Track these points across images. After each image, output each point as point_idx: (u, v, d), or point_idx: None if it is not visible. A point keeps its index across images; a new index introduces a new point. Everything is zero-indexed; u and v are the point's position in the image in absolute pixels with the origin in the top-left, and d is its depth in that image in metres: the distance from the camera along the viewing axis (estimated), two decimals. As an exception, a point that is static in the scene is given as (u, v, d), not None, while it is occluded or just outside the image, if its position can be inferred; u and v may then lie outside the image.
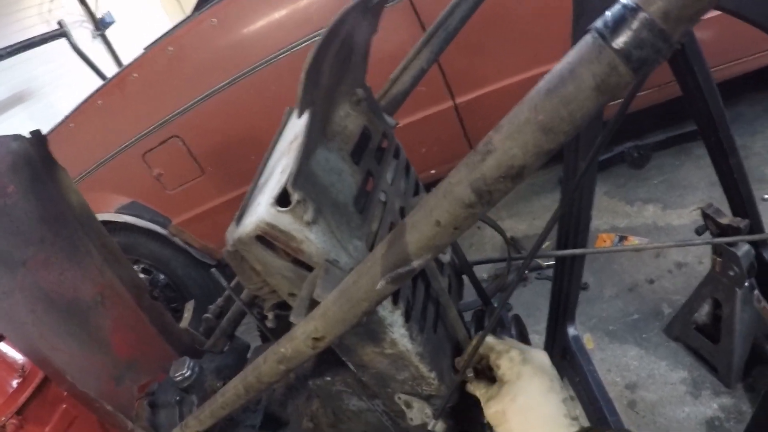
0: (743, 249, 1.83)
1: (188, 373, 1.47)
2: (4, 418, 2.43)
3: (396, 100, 1.38)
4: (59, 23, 6.43)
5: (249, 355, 1.75)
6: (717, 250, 1.90)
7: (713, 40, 2.37)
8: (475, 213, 0.55)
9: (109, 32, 8.32)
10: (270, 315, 1.07)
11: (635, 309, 2.49)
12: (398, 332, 0.91)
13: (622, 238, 2.88)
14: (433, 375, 0.99)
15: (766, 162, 2.98)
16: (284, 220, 0.75)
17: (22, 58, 6.10)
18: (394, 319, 0.90)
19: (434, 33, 1.37)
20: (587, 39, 0.50)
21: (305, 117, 0.77)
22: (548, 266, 2.83)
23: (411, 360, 0.96)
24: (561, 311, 1.92)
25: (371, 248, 0.90)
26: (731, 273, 1.87)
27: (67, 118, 3.28)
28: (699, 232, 1.98)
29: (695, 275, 2.49)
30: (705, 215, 1.90)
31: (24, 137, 1.49)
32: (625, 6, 0.48)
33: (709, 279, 2.00)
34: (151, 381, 1.63)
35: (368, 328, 0.89)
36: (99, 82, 6.30)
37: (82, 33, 7.66)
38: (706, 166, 3.09)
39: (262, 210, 0.77)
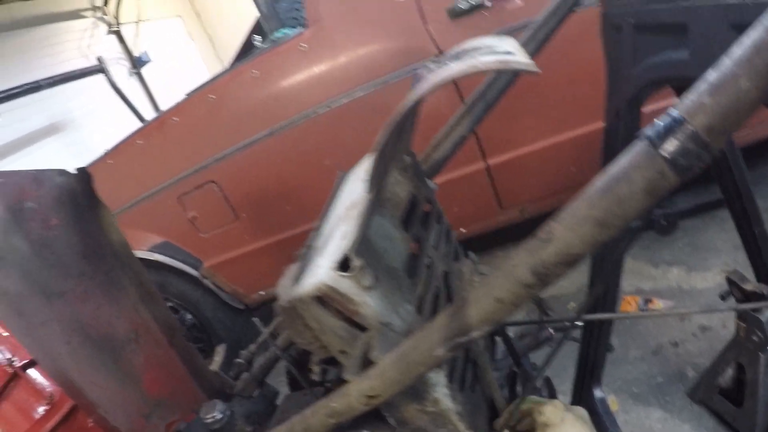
0: (767, 315, 1.85)
1: (220, 416, 1.50)
2: (28, 445, 2.46)
3: (437, 165, 1.44)
4: (98, 59, 6.63)
5: (278, 402, 1.75)
6: (741, 315, 1.92)
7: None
8: (532, 292, 0.61)
9: (145, 71, 8.52)
10: (316, 368, 1.11)
11: (659, 371, 2.49)
12: (441, 391, 0.95)
13: (647, 301, 2.90)
14: (470, 434, 1.03)
15: (789, 227, 2.99)
16: (344, 284, 0.81)
17: (59, 90, 6.27)
18: (438, 379, 0.94)
19: (476, 103, 1.44)
20: (639, 146, 0.57)
21: (371, 191, 0.83)
22: (574, 327, 2.84)
23: (451, 418, 0.99)
24: (588, 373, 1.94)
25: (419, 311, 0.95)
26: (755, 338, 1.88)
27: (105, 154, 3.37)
28: (723, 297, 2.01)
29: (719, 339, 2.49)
30: (730, 281, 1.93)
31: (69, 173, 1.54)
32: (674, 119, 0.55)
33: (734, 344, 2.01)
34: (177, 420, 1.64)
35: (413, 386, 0.94)
36: (133, 119, 6.51)
37: (119, 70, 7.86)
38: (731, 229, 3.10)
39: (323, 273, 0.82)
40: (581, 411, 1.02)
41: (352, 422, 1.25)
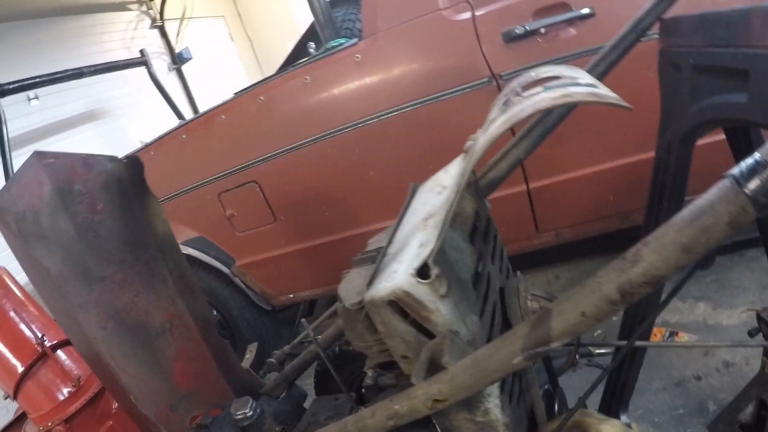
0: (793, 353, 1.87)
1: (250, 413, 1.52)
2: (50, 423, 2.52)
3: (492, 185, 1.48)
4: (141, 52, 6.74)
5: (306, 405, 1.79)
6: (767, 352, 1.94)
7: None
8: (616, 309, 0.67)
9: (185, 68, 8.65)
10: (370, 372, 1.16)
11: (681, 404, 2.51)
12: (493, 402, 0.99)
13: (673, 333, 2.92)
14: (513, 446, 1.07)
15: (820, 268, 3.01)
16: (421, 290, 0.85)
17: (101, 78, 6.41)
18: (492, 390, 0.98)
19: (534, 127, 1.48)
20: (725, 183, 0.63)
21: (449, 198, 0.88)
22: (599, 354, 2.87)
23: (497, 429, 1.03)
24: (615, 400, 1.97)
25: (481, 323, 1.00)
26: (780, 375, 1.90)
27: (147, 145, 3.44)
28: (752, 333, 2.02)
29: (742, 375, 2.51)
30: (759, 318, 1.95)
31: (120, 159, 1.59)
32: (757, 161, 0.62)
33: (758, 380, 2.02)
34: (202, 414, 1.68)
35: (470, 394, 0.98)
36: (170, 113, 6.61)
37: (160, 64, 7.99)
38: (759, 268, 3.16)
39: (400, 278, 0.87)
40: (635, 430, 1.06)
41: (397, 429, 1.29)
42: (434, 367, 0.87)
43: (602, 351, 2.82)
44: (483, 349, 0.82)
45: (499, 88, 2.61)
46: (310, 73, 2.86)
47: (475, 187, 1.20)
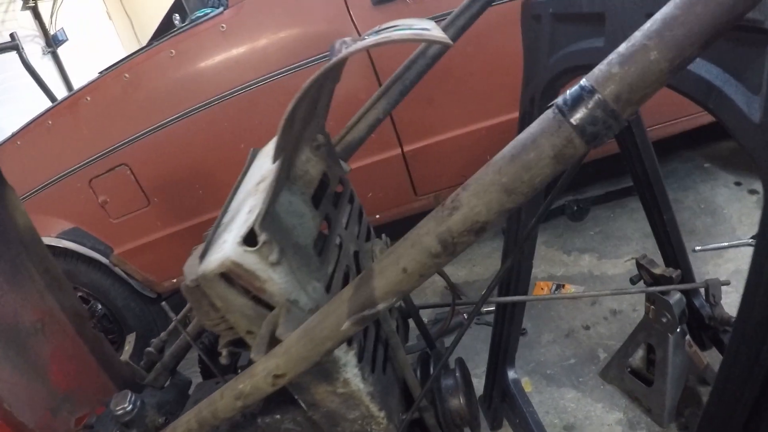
0: (675, 297, 1.92)
1: (130, 407, 1.43)
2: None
3: (351, 147, 1.42)
4: (11, 35, 6.29)
5: (190, 392, 1.71)
6: (650, 298, 1.99)
7: (650, 103, 2.52)
8: (439, 262, 0.61)
9: (61, 50, 8.18)
10: (224, 352, 1.09)
11: (572, 354, 2.57)
12: (351, 372, 0.94)
13: (560, 286, 2.98)
14: (382, 415, 1.02)
15: (697, 215, 3.15)
16: (250, 259, 0.78)
17: (-35, 69, 5.96)
18: (348, 359, 0.93)
19: (391, 85, 1.43)
20: (548, 114, 0.57)
21: (278, 161, 0.81)
22: (487, 312, 2.90)
23: (362, 399, 0.99)
24: (501, 355, 1.98)
25: (328, 290, 0.94)
26: (664, 320, 1.95)
27: (14, 135, 3.21)
28: (634, 281, 2.09)
29: (629, 321, 2.59)
30: (639, 265, 2.00)
31: None
32: (582, 87, 0.56)
33: (643, 325, 2.09)
34: (88, 413, 1.58)
35: (322, 367, 0.92)
36: (46, 100, 6.21)
37: (33, 48, 7.52)
38: (640, 219, 3.27)
39: (228, 248, 0.80)
40: None
41: (264, 407, 1.23)
42: (276, 342, 0.81)
43: (489, 309, 2.84)
44: (312, 317, 0.76)
45: (368, 52, 2.57)
46: (175, 47, 2.72)
47: (327, 149, 1.13)
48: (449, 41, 0.71)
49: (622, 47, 0.56)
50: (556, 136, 0.56)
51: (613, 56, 0.56)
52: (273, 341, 0.81)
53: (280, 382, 0.81)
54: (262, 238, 0.77)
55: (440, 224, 0.60)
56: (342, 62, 0.70)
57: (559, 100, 0.58)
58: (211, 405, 0.97)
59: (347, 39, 0.86)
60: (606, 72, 0.56)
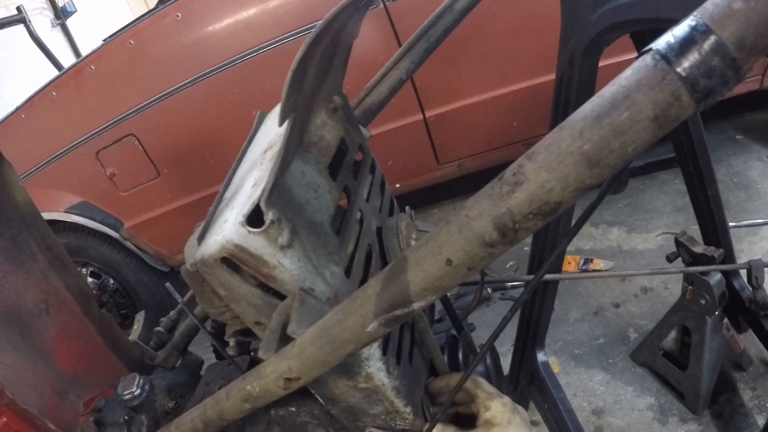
0: (715, 278, 1.81)
1: (138, 392, 1.36)
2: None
3: (371, 111, 1.30)
4: (18, 8, 6.18)
5: (202, 372, 1.62)
6: (689, 278, 1.87)
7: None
8: (494, 252, 0.47)
9: (70, 22, 8.08)
10: (231, 342, 0.97)
11: (601, 333, 2.45)
12: (374, 366, 0.82)
13: (588, 261, 2.85)
14: (408, 410, 0.91)
15: (729, 190, 2.99)
16: (255, 242, 0.66)
17: (-28, 42, 5.88)
18: (370, 353, 0.81)
19: (415, 43, 1.29)
20: (647, 60, 0.42)
21: (286, 124, 0.68)
22: (512, 287, 2.78)
23: (386, 394, 0.87)
24: (530, 336, 1.86)
25: (348, 274, 0.81)
26: (702, 301, 1.84)
27: (18, 108, 3.12)
28: (670, 258, 1.95)
29: (661, 300, 2.47)
30: (678, 243, 1.87)
31: None
32: (694, 27, 0.40)
33: (679, 306, 1.97)
34: (97, 396, 1.49)
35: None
36: (55, 74, 6.12)
37: (42, 21, 7.42)
38: (672, 191, 3.12)
39: (230, 229, 0.67)
40: (524, 412, 0.92)
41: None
42: (287, 337, 0.69)
43: (515, 284, 2.72)
44: (331, 313, 0.63)
45: (387, 11, 2.43)
46: (181, 10, 2.60)
47: (344, 112, 1.00)
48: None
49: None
50: (658, 91, 0.40)
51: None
52: (285, 336, 0.69)
53: (293, 386, 0.69)
54: (269, 216, 0.65)
55: (497, 204, 0.45)
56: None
57: (661, 43, 0.42)
58: (217, 405, 0.85)
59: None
60: (725, 7, 0.39)
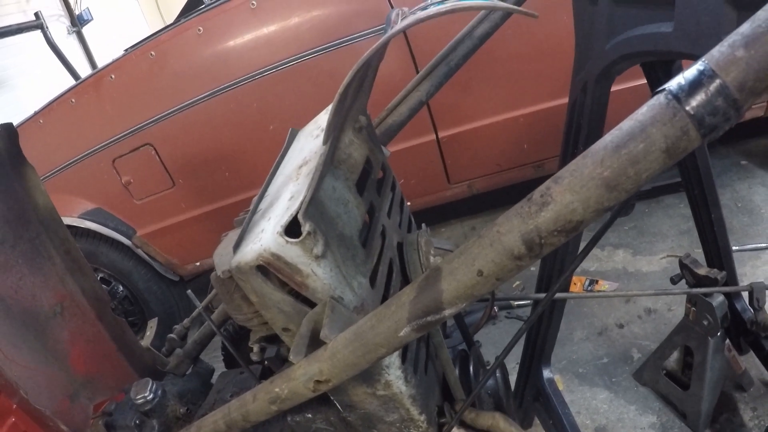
0: (718, 300, 1.84)
1: (150, 396, 1.38)
2: (-59, 427, 2.30)
3: (391, 130, 1.35)
4: (36, 15, 6.26)
5: (213, 380, 1.66)
6: (692, 299, 1.91)
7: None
8: (521, 265, 0.52)
9: (86, 30, 8.17)
10: (255, 348, 1.01)
11: (605, 352, 2.48)
12: (394, 374, 0.87)
13: (593, 282, 2.89)
14: (423, 418, 0.95)
15: (734, 214, 3.03)
16: (292, 251, 0.70)
17: (-7, 46, 5.94)
18: (391, 361, 0.85)
19: (436, 66, 1.35)
20: (660, 99, 0.48)
21: (327, 142, 0.72)
22: (518, 306, 2.81)
23: (403, 402, 0.91)
24: (536, 353, 1.90)
25: (372, 285, 0.86)
26: (705, 322, 1.88)
27: (36, 113, 3.17)
28: (674, 280, 1.99)
29: (664, 322, 2.50)
30: (682, 265, 1.91)
31: None
32: (702, 72, 0.47)
33: (682, 327, 2.01)
34: (107, 400, 1.53)
35: (364, 368, 0.84)
36: (70, 80, 6.18)
37: (58, 28, 7.50)
38: (676, 215, 3.16)
39: (267, 238, 0.72)
40: None
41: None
42: (317, 342, 0.73)
43: (522, 302, 2.76)
44: (365, 319, 0.67)
45: (405, 32, 2.48)
46: (203, 24, 2.65)
47: (368, 131, 1.05)
48: (534, 13, 0.63)
49: (745, 27, 0.47)
50: (669, 126, 0.47)
51: (735, 37, 0.47)
52: (313, 342, 0.73)
53: (322, 388, 0.73)
54: (306, 228, 0.69)
55: (526, 222, 0.51)
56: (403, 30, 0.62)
57: (673, 84, 0.49)
58: (242, 407, 0.89)
59: (404, 9, 0.78)
60: (729, 54, 0.46)
